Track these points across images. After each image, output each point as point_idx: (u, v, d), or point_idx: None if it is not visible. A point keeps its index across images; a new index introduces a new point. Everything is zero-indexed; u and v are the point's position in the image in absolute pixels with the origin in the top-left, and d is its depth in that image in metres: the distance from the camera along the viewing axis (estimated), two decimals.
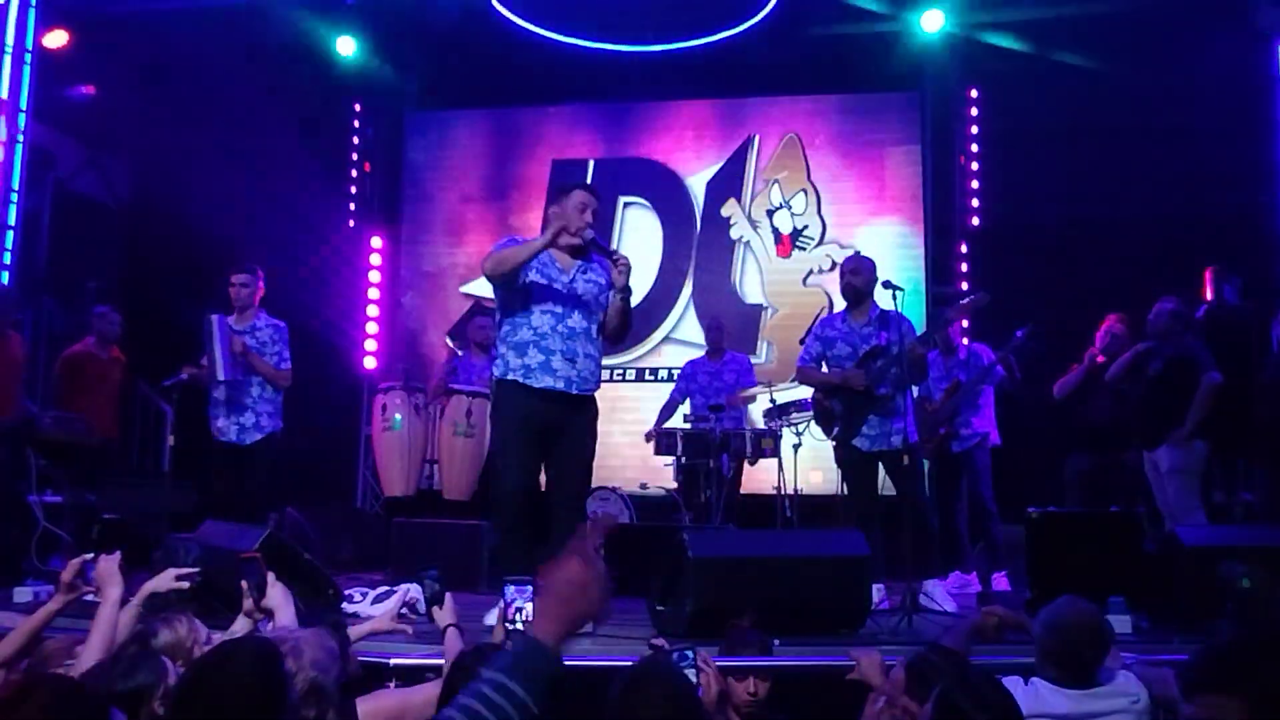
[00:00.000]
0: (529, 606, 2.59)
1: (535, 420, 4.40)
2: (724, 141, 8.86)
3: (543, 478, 4.54)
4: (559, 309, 4.43)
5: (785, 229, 8.38)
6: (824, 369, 5.47)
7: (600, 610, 1.51)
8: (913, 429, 5.25)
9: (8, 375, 6.54)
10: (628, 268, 4.43)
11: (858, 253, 5.64)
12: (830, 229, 8.40)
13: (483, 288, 8.90)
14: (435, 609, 3.04)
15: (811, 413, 5.67)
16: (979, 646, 3.34)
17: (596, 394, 4.56)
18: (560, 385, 4.38)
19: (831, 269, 8.24)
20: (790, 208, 8.41)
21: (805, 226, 8.41)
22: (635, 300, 8.43)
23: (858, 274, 5.41)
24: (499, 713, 1.37)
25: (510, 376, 4.43)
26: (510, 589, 2.59)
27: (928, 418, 6.38)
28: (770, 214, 8.55)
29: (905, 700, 2.57)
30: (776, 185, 8.53)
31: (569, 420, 4.43)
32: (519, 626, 2.56)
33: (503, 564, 4.44)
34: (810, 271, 8.45)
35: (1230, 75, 7.25)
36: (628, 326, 4.55)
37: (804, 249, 8.41)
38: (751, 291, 8.60)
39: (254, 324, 5.89)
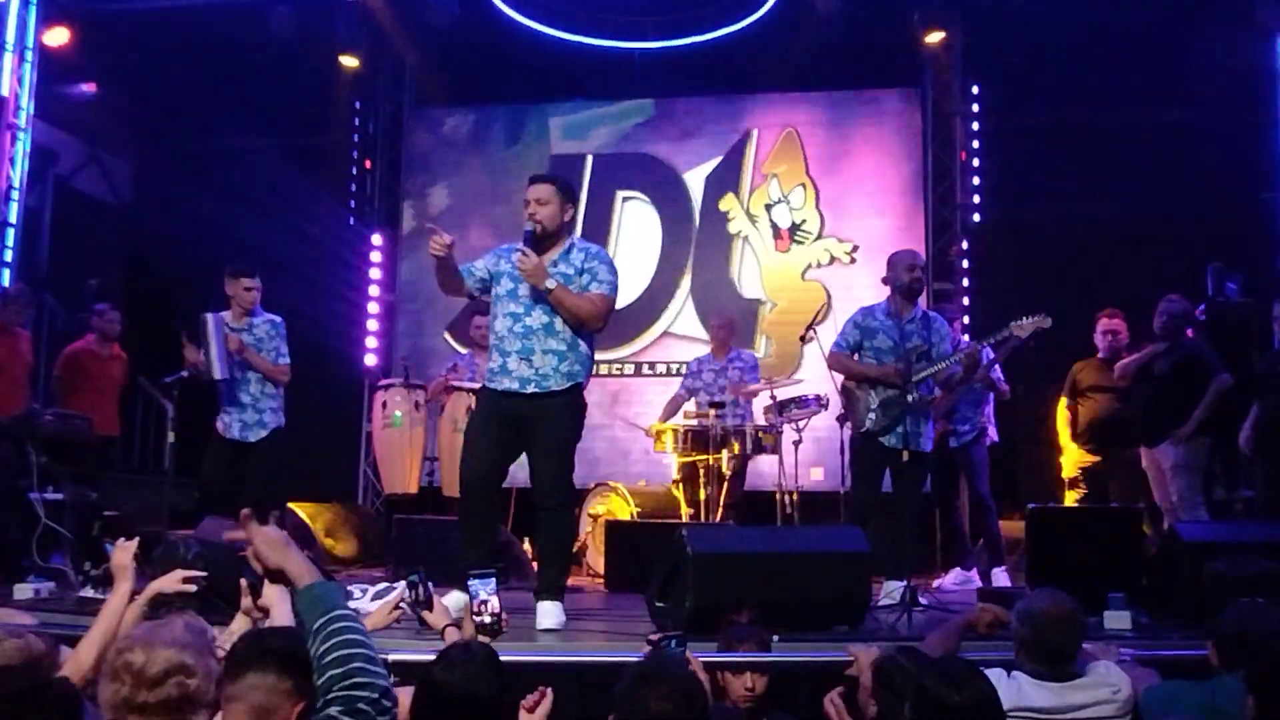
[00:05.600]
0: (493, 599, 2.60)
1: (500, 418, 4.42)
2: (722, 137, 8.83)
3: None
4: (519, 309, 4.43)
5: (784, 223, 8.36)
6: (858, 359, 5.36)
7: (295, 550, 2.10)
8: (931, 439, 5.29)
9: (17, 372, 6.58)
10: (523, 268, 4.32)
11: (912, 250, 5.61)
12: (829, 223, 8.36)
13: None
14: (426, 614, 2.99)
15: (842, 401, 5.57)
16: (971, 642, 3.35)
17: (586, 385, 4.52)
18: (515, 386, 4.39)
19: (830, 263, 8.24)
20: (789, 202, 8.38)
21: (804, 220, 8.37)
22: (635, 294, 8.64)
23: (915, 270, 5.36)
24: (361, 634, 1.96)
25: (484, 380, 4.56)
26: (474, 583, 2.59)
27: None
28: (769, 208, 8.53)
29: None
30: (775, 180, 8.50)
31: (536, 415, 4.41)
32: (485, 619, 2.58)
33: (460, 555, 4.42)
34: (809, 265, 8.43)
35: (1231, 72, 7.24)
36: (577, 317, 4.39)
37: (802, 243, 8.40)
38: (750, 286, 8.57)
39: (250, 320, 5.89)
